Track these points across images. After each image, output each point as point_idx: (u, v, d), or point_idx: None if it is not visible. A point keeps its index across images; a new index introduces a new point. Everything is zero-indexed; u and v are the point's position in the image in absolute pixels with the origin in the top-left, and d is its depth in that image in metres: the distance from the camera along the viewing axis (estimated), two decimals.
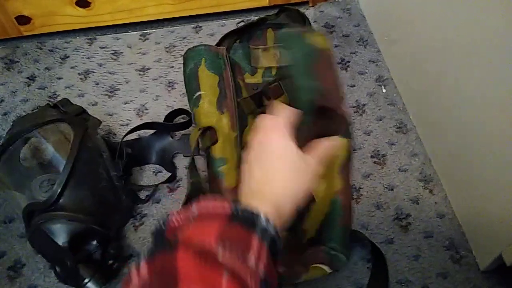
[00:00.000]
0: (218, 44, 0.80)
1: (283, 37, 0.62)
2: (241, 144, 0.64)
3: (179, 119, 0.82)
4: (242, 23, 0.83)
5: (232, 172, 0.62)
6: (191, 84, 0.67)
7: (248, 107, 0.68)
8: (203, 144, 0.65)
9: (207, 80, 0.67)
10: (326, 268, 0.58)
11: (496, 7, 0.52)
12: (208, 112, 0.65)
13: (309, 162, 0.46)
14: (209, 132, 0.64)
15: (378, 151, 0.76)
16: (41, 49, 1.00)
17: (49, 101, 0.89)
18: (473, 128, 0.61)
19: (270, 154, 0.45)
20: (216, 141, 0.63)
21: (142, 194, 0.74)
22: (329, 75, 0.60)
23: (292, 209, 0.44)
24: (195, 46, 0.70)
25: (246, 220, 0.37)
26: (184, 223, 0.38)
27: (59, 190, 0.60)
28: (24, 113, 0.87)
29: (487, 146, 0.58)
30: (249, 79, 0.78)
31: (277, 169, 0.44)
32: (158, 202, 0.73)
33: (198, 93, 0.66)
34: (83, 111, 0.71)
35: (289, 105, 0.51)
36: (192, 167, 0.65)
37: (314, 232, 0.61)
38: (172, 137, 0.80)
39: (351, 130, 0.68)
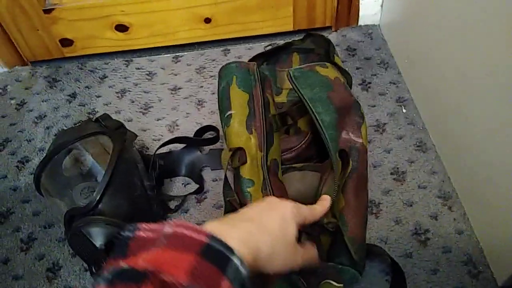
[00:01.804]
0: None
1: (297, 74, 0.66)
2: (267, 163, 0.65)
3: (207, 135, 0.87)
4: (270, 47, 0.87)
5: (258, 193, 0.63)
6: (223, 103, 0.70)
7: (275, 123, 0.71)
8: (234, 164, 0.66)
9: (238, 98, 0.69)
10: (334, 283, 0.59)
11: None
12: (238, 131, 0.67)
13: (299, 252, 0.46)
14: (239, 152, 0.66)
15: (398, 168, 0.78)
16: (81, 69, 1.08)
17: (89, 117, 0.96)
18: (491, 147, 0.63)
19: (273, 211, 0.45)
20: (245, 162, 0.65)
21: (172, 204, 0.78)
22: (342, 95, 0.65)
23: (271, 266, 0.42)
24: (228, 63, 0.72)
25: (219, 257, 0.35)
26: (154, 238, 0.35)
27: (98, 197, 0.65)
28: (65, 128, 0.94)
29: (505, 164, 0.60)
30: (275, 99, 0.83)
31: (271, 224, 0.43)
32: (186, 212, 0.77)
33: (229, 112, 0.68)
34: (121, 126, 0.77)
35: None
36: (226, 185, 0.66)
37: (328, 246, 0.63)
38: (200, 152, 0.84)
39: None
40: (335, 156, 0.60)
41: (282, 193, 0.65)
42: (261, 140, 0.65)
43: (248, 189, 0.63)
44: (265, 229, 0.42)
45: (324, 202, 0.55)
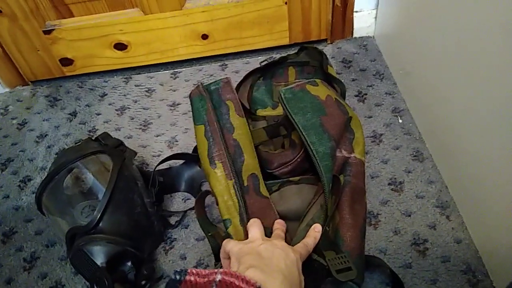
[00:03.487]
0: (242, 81, 0.86)
1: (289, 95, 0.67)
2: (241, 186, 0.65)
3: None
4: (265, 62, 0.88)
5: (238, 230, 0.63)
6: None
7: (259, 138, 0.71)
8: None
9: (198, 135, 0.69)
10: None
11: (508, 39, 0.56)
12: (206, 170, 0.67)
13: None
14: (209, 194, 0.67)
15: (395, 178, 0.79)
16: (82, 87, 1.10)
17: (89, 135, 0.97)
18: (488, 155, 0.63)
19: (289, 260, 0.50)
20: (217, 203, 0.65)
21: (172, 220, 0.79)
22: (335, 119, 0.66)
23: None
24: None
25: None
26: (203, 284, 0.40)
27: (99, 215, 0.66)
28: (66, 146, 0.96)
29: (502, 172, 0.61)
30: (271, 112, 0.84)
31: (293, 274, 0.49)
32: (186, 228, 0.78)
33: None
34: (121, 144, 0.78)
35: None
36: (201, 222, 0.65)
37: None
38: (200, 167, 0.85)
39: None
40: (328, 188, 0.61)
41: (266, 210, 0.64)
42: (228, 167, 0.65)
43: (228, 230, 0.63)
44: (291, 280, 0.48)
45: (317, 234, 0.58)
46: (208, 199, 0.75)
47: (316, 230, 0.59)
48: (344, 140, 0.67)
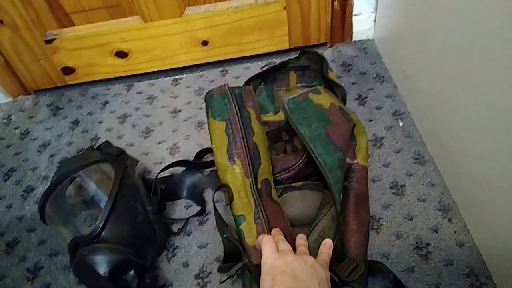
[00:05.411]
0: None
1: (292, 106, 0.67)
2: (257, 187, 0.65)
3: (208, 156, 0.88)
4: (266, 67, 0.88)
5: (251, 227, 0.63)
6: (210, 137, 0.70)
7: (268, 140, 0.71)
8: (225, 201, 0.66)
9: (216, 130, 0.69)
10: None
11: (510, 39, 0.56)
12: (222, 165, 0.67)
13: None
14: (225, 189, 0.66)
15: (396, 182, 0.79)
16: (83, 96, 1.11)
17: (92, 143, 0.98)
18: (490, 158, 0.63)
19: (322, 280, 0.52)
20: (232, 198, 0.65)
21: (175, 227, 0.79)
22: (341, 129, 0.66)
23: None
24: (205, 95, 0.73)
25: None
26: None
27: (101, 224, 0.66)
28: (68, 155, 0.96)
29: (504, 174, 0.61)
30: (273, 117, 0.84)
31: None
32: (189, 235, 0.78)
33: (212, 147, 0.69)
34: (122, 152, 0.78)
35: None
36: (219, 221, 0.65)
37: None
38: (201, 173, 0.86)
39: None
40: (339, 199, 0.61)
41: (277, 215, 0.65)
42: (246, 166, 0.66)
43: (240, 226, 0.63)
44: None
45: (329, 251, 0.59)
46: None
47: (327, 246, 0.59)
48: (348, 147, 0.67)
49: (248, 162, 0.66)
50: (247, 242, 0.63)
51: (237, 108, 0.70)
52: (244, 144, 0.67)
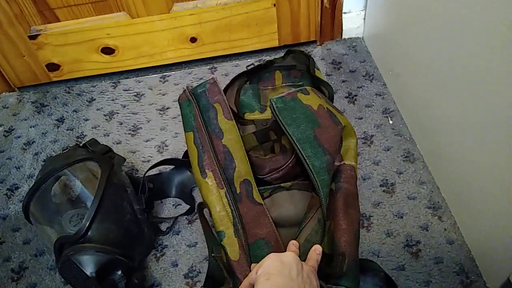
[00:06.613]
0: (228, 85, 0.85)
1: (280, 105, 0.66)
2: (234, 194, 0.64)
3: None
4: (252, 66, 0.88)
5: (232, 241, 0.62)
6: None
7: (249, 143, 0.70)
8: (209, 219, 0.66)
9: (188, 142, 0.69)
10: None
11: (496, 38, 0.56)
12: (197, 180, 0.66)
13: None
14: (204, 206, 0.66)
15: (386, 180, 0.79)
16: (69, 93, 1.08)
17: (77, 141, 0.96)
18: (480, 156, 0.63)
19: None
20: (210, 214, 0.64)
21: (163, 226, 0.78)
22: (329, 132, 0.65)
23: None
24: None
25: None
26: None
27: (87, 224, 0.65)
28: (54, 153, 0.94)
29: (493, 172, 0.61)
30: (259, 115, 0.83)
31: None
32: (178, 234, 0.77)
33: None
34: (109, 150, 0.77)
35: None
36: (208, 236, 0.64)
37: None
38: (190, 172, 0.84)
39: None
40: (325, 202, 0.61)
41: (260, 219, 0.64)
42: (218, 176, 0.65)
43: (222, 242, 0.63)
44: None
45: (318, 257, 0.58)
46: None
47: (317, 253, 0.58)
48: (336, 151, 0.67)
49: (220, 171, 0.65)
50: (230, 257, 0.62)
51: (200, 115, 0.69)
52: (212, 152, 0.66)
